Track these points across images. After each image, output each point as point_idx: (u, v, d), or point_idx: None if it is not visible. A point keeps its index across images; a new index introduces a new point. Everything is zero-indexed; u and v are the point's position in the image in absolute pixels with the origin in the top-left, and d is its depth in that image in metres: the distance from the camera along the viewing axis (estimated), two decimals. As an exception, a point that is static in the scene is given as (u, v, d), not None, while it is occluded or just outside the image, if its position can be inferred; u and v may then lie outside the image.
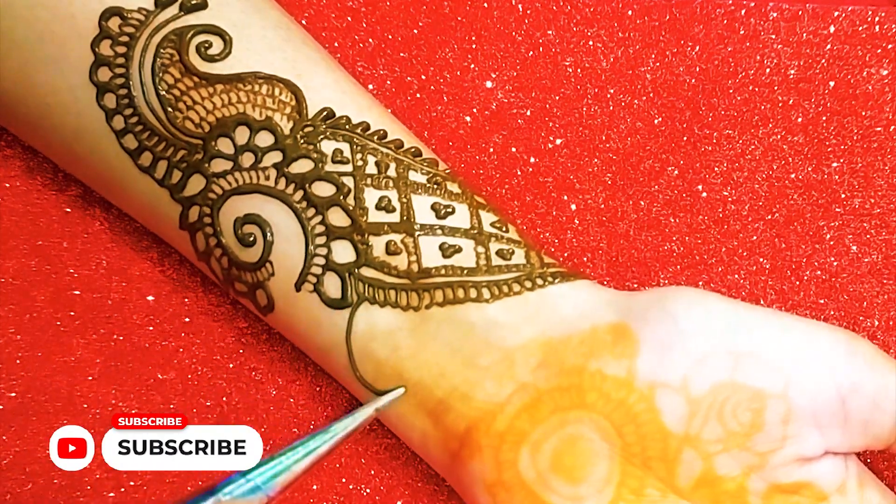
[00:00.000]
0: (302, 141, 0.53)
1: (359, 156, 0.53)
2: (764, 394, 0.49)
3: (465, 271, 0.52)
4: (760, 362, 0.49)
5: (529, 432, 0.51)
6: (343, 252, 0.52)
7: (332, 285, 0.53)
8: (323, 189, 0.52)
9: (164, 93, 0.53)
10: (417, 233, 0.52)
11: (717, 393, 0.49)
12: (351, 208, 0.52)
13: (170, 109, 0.53)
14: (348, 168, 0.53)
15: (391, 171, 0.53)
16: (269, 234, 0.53)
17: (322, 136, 0.53)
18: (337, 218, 0.52)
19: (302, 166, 0.53)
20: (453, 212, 0.53)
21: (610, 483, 0.50)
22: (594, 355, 0.51)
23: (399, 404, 0.53)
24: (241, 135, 0.53)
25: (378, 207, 0.53)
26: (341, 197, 0.52)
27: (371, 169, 0.53)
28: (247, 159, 0.53)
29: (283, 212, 0.53)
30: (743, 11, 0.63)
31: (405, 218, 0.53)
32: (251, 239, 0.53)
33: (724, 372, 0.49)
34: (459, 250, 0.53)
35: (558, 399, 0.51)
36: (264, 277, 0.53)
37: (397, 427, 0.55)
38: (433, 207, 0.53)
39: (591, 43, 0.63)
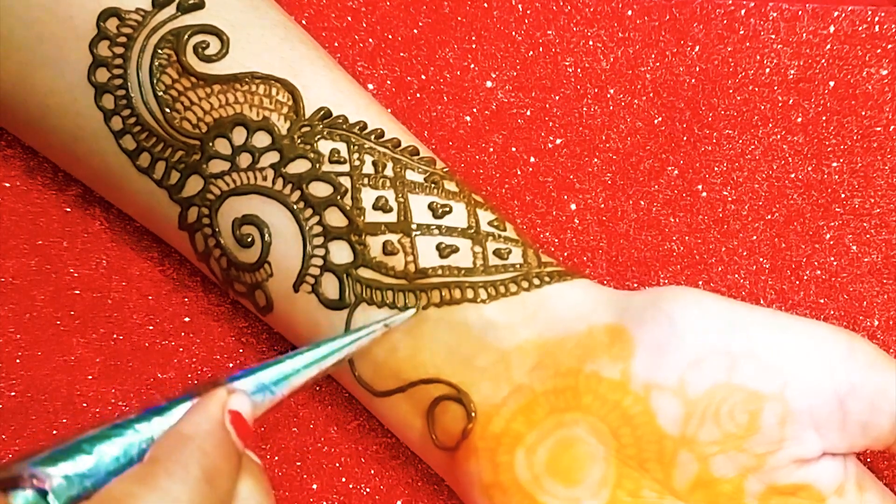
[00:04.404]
0: (299, 141, 0.53)
1: (356, 155, 0.53)
2: (761, 395, 0.49)
3: (462, 271, 0.52)
4: (758, 363, 0.49)
5: (525, 434, 0.51)
6: (340, 252, 0.52)
7: (329, 286, 0.53)
8: (320, 189, 0.52)
9: (161, 93, 0.53)
10: (414, 233, 0.52)
11: (713, 394, 0.49)
12: (348, 208, 0.52)
13: (167, 110, 0.53)
14: (345, 168, 0.53)
15: (388, 171, 0.53)
16: (266, 234, 0.53)
17: (319, 136, 0.53)
18: (334, 218, 0.52)
19: (299, 166, 0.53)
20: (450, 211, 0.53)
21: (606, 485, 0.50)
22: (590, 357, 0.51)
23: (398, 404, 0.53)
24: (239, 135, 0.53)
25: (375, 207, 0.52)
26: (338, 197, 0.52)
27: (368, 168, 0.53)
28: (244, 160, 0.53)
29: (280, 212, 0.53)
30: (743, 11, 0.62)
31: (402, 218, 0.53)
32: (249, 240, 0.53)
33: (720, 373, 0.49)
34: (456, 250, 0.53)
35: (554, 401, 0.51)
36: (263, 278, 0.53)
37: (396, 427, 0.55)
38: (430, 207, 0.53)
39: (591, 43, 0.63)
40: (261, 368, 0.46)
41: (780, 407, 0.49)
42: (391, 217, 0.52)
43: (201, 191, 0.53)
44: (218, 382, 0.45)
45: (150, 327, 0.60)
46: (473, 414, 0.51)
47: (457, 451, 0.52)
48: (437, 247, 0.52)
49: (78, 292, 0.60)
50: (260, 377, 0.46)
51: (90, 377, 0.59)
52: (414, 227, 0.52)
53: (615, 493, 0.50)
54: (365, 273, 0.52)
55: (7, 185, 0.61)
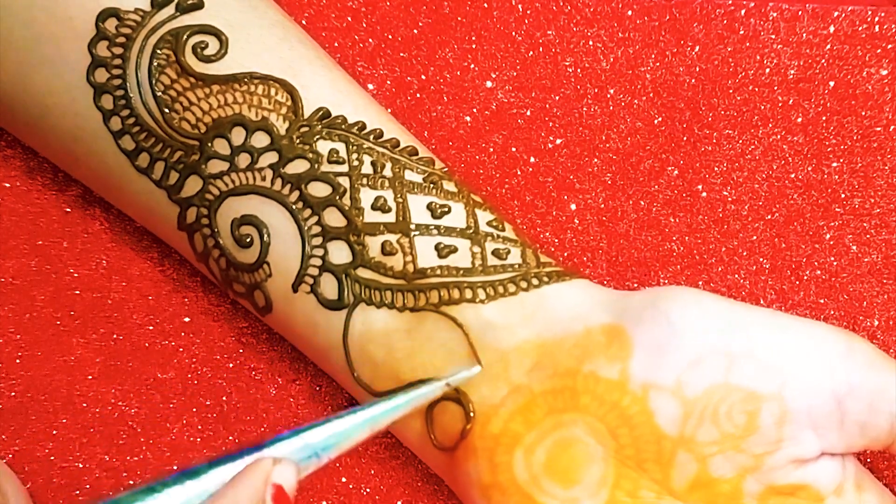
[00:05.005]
0: (298, 141, 0.53)
1: (354, 156, 0.53)
2: (758, 395, 0.49)
3: (461, 272, 0.52)
4: (756, 363, 0.49)
5: (524, 435, 0.51)
6: (339, 253, 0.52)
7: (328, 286, 0.53)
8: (319, 189, 0.52)
9: (160, 94, 0.53)
10: (413, 233, 0.52)
11: (711, 395, 0.49)
12: (347, 208, 0.52)
13: (166, 110, 0.53)
14: (344, 168, 0.53)
15: (387, 171, 0.53)
16: (265, 235, 0.53)
17: (318, 137, 0.53)
18: (333, 218, 0.52)
19: (298, 167, 0.53)
20: (449, 211, 0.53)
21: (604, 485, 0.50)
22: (588, 357, 0.51)
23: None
24: (238, 135, 0.53)
25: (374, 207, 0.52)
26: (337, 197, 0.52)
27: (367, 169, 0.53)
28: (243, 160, 0.53)
29: (279, 213, 0.53)
30: (743, 11, 0.62)
31: (401, 218, 0.52)
32: (248, 240, 0.53)
33: (718, 373, 0.49)
34: (455, 250, 0.52)
35: (552, 401, 0.51)
36: (262, 278, 0.53)
37: (395, 427, 0.55)
38: (429, 207, 0.53)
39: (591, 43, 0.63)
40: (309, 428, 0.45)
41: (777, 407, 0.49)
42: (390, 217, 0.52)
43: (200, 191, 0.53)
44: (262, 445, 0.43)
45: (150, 327, 0.60)
46: (472, 414, 0.51)
47: (455, 451, 0.52)
48: (436, 247, 0.52)
49: (78, 292, 0.60)
50: (307, 438, 0.44)
51: (90, 377, 0.59)
52: (413, 227, 0.52)
53: (613, 494, 0.50)
54: (364, 273, 0.52)
55: (7, 185, 0.61)
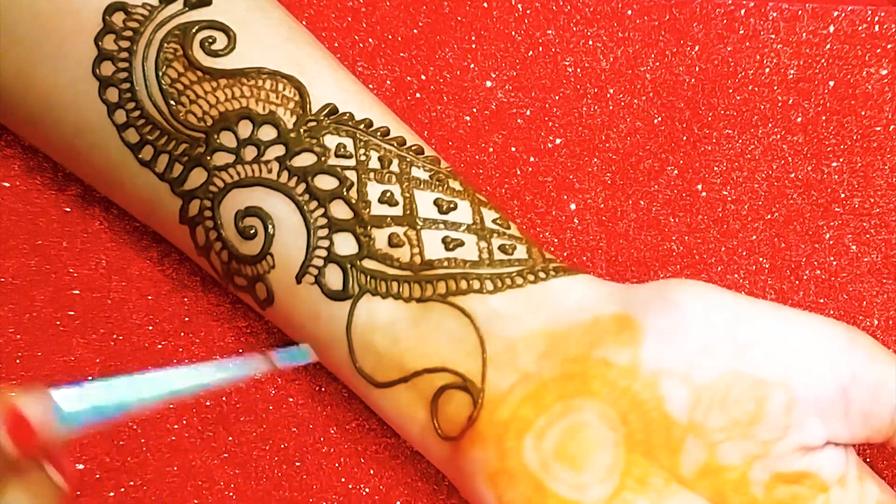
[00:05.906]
0: (305, 135, 0.53)
1: (362, 151, 0.53)
2: (767, 382, 0.49)
3: (468, 263, 0.52)
4: (763, 352, 0.49)
5: (533, 420, 0.51)
6: (345, 244, 0.52)
7: (333, 277, 0.52)
8: (325, 182, 0.52)
9: (167, 87, 0.53)
10: (420, 226, 0.52)
11: (720, 381, 0.49)
12: (353, 201, 0.52)
13: (172, 103, 0.53)
14: (351, 162, 0.53)
15: (394, 167, 0.53)
16: (270, 226, 0.53)
17: (325, 131, 0.53)
18: (339, 211, 0.52)
19: (305, 160, 0.53)
20: (456, 208, 0.53)
21: (614, 471, 0.50)
22: (598, 344, 0.51)
23: (399, 395, 0.53)
24: (244, 128, 0.53)
25: (381, 201, 0.53)
26: (344, 190, 0.52)
27: (374, 164, 0.53)
28: (249, 153, 0.53)
29: (284, 205, 0.53)
30: (743, 11, 0.63)
31: (408, 212, 0.53)
32: (252, 232, 0.53)
33: (727, 361, 0.49)
34: (462, 244, 0.53)
35: (563, 387, 0.51)
36: (265, 270, 0.53)
37: (395, 420, 0.55)
38: (436, 203, 0.53)
39: (591, 43, 0.63)
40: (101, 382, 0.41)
41: (785, 394, 0.49)
42: (397, 210, 0.52)
43: (204, 183, 0.53)
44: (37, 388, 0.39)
45: (150, 327, 0.60)
46: (480, 401, 0.51)
47: (461, 439, 0.52)
48: (443, 240, 0.52)
49: (78, 292, 0.60)
50: (91, 393, 0.41)
51: (90, 377, 0.59)
52: (420, 220, 0.52)
53: (623, 479, 0.50)
54: (370, 264, 0.52)
55: (7, 185, 0.61)
